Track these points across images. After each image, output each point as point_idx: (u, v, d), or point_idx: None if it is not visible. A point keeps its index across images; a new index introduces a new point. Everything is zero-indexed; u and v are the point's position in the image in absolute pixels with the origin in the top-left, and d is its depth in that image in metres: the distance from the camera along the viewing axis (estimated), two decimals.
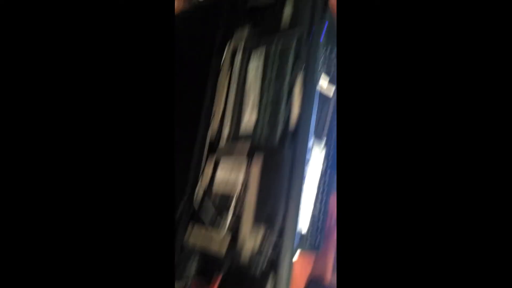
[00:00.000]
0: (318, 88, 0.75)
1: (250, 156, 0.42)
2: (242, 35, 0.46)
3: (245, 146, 0.43)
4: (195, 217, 0.48)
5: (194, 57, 0.60)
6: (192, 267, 0.49)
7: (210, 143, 0.48)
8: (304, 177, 0.38)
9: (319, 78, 0.71)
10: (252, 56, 0.45)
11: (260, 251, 0.39)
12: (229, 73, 0.47)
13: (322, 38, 0.40)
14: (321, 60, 0.73)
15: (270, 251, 0.39)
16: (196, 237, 0.46)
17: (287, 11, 0.43)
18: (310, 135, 0.39)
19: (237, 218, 0.42)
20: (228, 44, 0.48)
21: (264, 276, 0.39)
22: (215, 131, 0.48)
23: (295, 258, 0.77)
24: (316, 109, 0.76)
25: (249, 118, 0.44)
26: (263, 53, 0.44)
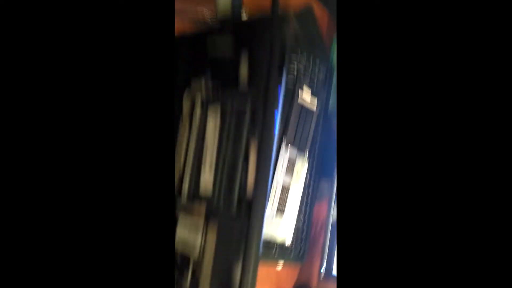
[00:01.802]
0: (300, 102, 0.73)
1: (207, 220, 0.42)
2: (200, 86, 0.44)
3: (202, 208, 0.43)
4: None
5: None
6: None
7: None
8: (261, 246, 0.38)
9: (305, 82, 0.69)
10: (209, 112, 0.44)
11: None
12: (188, 123, 0.46)
13: (280, 103, 0.38)
14: (303, 71, 0.71)
15: None
16: None
17: (243, 69, 0.41)
18: (266, 203, 0.39)
19: (195, 282, 0.43)
20: (186, 92, 0.47)
21: None
22: (177, 185, 0.47)
23: (279, 268, 0.79)
24: (297, 122, 0.75)
25: (207, 178, 0.43)
26: (219, 111, 0.42)
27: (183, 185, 0.45)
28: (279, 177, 0.71)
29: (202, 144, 0.44)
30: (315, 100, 0.73)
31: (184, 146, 0.45)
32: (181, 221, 0.45)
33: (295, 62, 0.69)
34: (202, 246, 0.41)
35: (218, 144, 0.42)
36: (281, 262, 0.75)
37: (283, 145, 0.71)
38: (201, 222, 0.43)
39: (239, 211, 0.39)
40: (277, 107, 0.37)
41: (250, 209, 0.39)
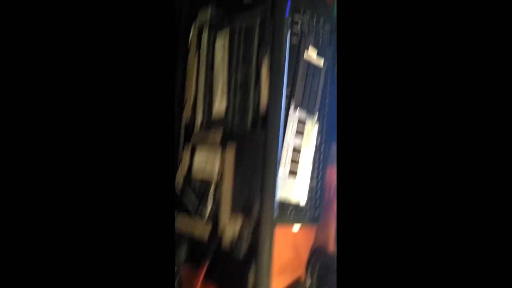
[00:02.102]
0: (307, 58, 0.73)
1: (223, 144, 0.42)
2: (206, 15, 0.45)
3: (218, 133, 0.43)
4: (178, 204, 0.49)
5: None
6: (182, 253, 0.51)
7: (185, 131, 0.48)
8: (279, 162, 0.38)
9: (310, 43, 0.69)
10: (217, 38, 0.44)
11: (240, 237, 0.40)
12: (197, 55, 0.47)
13: (287, 14, 0.39)
14: (307, 31, 0.72)
15: (249, 237, 0.40)
16: (182, 224, 0.47)
17: None
18: (281, 118, 0.39)
19: (217, 206, 0.43)
20: (194, 24, 0.47)
21: (247, 261, 0.40)
22: (188, 118, 0.48)
23: (296, 230, 0.78)
24: (305, 82, 0.75)
25: (219, 104, 0.43)
26: (228, 35, 0.43)
27: (196, 117, 0.46)
28: (289, 139, 0.71)
29: (212, 73, 0.44)
30: (322, 61, 0.73)
31: (194, 78, 0.46)
32: (198, 152, 0.46)
33: (299, 22, 0.70)
34: (220, 171, 0.42)
35: (228, 68, 0.42)
36: (297, 225, 0.75)
37: (292, 107, 0.71)
38: (218, 147, 0.43)
39: (254, 128, 0.40)
40: (285, 14, 0.37)
41: (266, 123, 0.39)
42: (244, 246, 0.40)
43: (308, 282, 0.80)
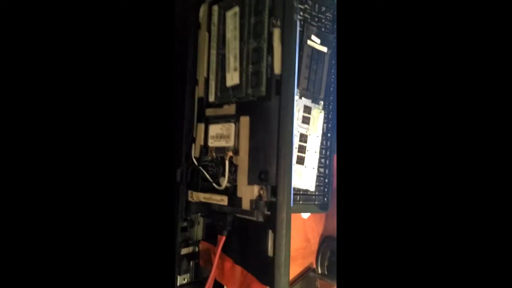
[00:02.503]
0: (310, 45, 0.74)
1: (238, 116, 0.43)
2: None
3: (232, 107, 0.44)
4: (194, 182, 0.50)
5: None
6: (200, 228, 0.51)
7: (199, 106, 0.49)
8: (293, 124, 0.39)
9: (313, 32, 0.70)
10: (228, 13, 0.45)
11: (257, 206, 0.40)
12: (208, 31, 0.47)
13: None
14: (309, 20, 0.73)
15: (268, 200, 0.40)
16: (199, 197, 0.47)
17: None
18: (294, 90, 0.40)
19: (234, 176, 0.43)
20: (203, 4, 0.48)
21: (265, 229, 0.40)
22: (201, 94, 0.48)
23: (305, 216, 0.78)
24: (309, 69, 0.76)
25: (232, 78, 0.44)
26: (238, 10, 0.44)
27: (209, 91, 0.46)
28: (296, 125, 0.72)
29: (223, 49, 0.45)
30: (325, 48, 0.74)
31: (205, 54, 0.47)
32: (212, 127, 0.46)
33: (301, 11, 0.71)
34: (236, 133, 0.42)
35: (239, 43, 0.43)
36: (306, 210, 0.75)
37: (296, 97, 0.72)
38: (232, 118, 0.43)
39: (269, 95, 0.40)
40: None
41: (280, 88, 0.40)
42: (262, 214, 0.40)
43: (319, 270, 0.80)
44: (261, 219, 0.40)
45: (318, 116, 0.75)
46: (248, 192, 0.41)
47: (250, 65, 0.42)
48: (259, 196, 0.40)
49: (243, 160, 0.41)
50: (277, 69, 0.40)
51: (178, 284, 0.48)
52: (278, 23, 0.40)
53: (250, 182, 0.40)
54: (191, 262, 0.49)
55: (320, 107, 0.75)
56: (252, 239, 0.43)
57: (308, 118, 0.74)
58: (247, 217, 0.42)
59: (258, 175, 0.40)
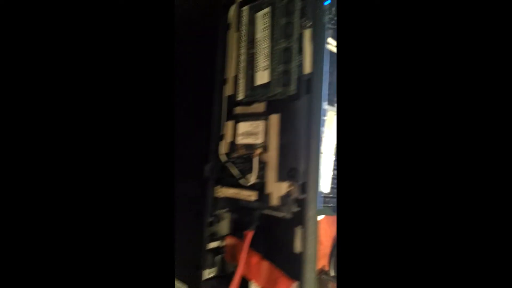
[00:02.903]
0: (328, 47, 0.75)
1: (267, 114, 0.44)
2: None
3: (261, 105, 0.45)
4: (222, 178, 0.51)
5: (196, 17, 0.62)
6: (226, 224, 0.52)
7: (228, 105, 0.50)
8: (322, 121, 0.40)
9: (329, 34, 0.71)
10: (258, 13, 0.46)
11: (285, 203, 0.41)
12: (237, 31, 0.48)
13: None
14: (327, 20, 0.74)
15: (297, 196, 0.41)
16: (226, 193, 0.48)
17: None
18: (323, 89, 0.41)
19: (263, 173, 0.44)
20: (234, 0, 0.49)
21: (293, 226, 0.41)
22: (230, 93, 0.49)
23: (319, 218, 0.78)
24: (328, 72, 0.77)
25: (261, 77, 0.45)
26: (269, 10, 0.45)
27: (237, 94, 0.47)
28: None
29: (253, 49, 0.46)
30: None
31: (235, 54, 0.48)
32: (241, 125, 0.47)
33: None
34: (266, 131, 0.43)
35: (270, 43, 0.44)
36: (320, 212, 0.75)
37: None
38: (261, 116, 0.44)
39: (298, 94, 0.41)
40: None
41: (310, 88, 0.41)
42: (290, 211, 0.41)
43: (332, 273, 0.80)
44: (289, 215, 0.41)
45: (333, 118, 0.76)
46: (277, 189, 0.41)
47: (280, 65, 0.43)
48: (288, 192, 0.41)
49: (272, 157, 0.42)
50: (307, 69, 0.41)
51: (204, 278, 0.48)
52: (310, 24, 0.41)
53: (280, 178, 0.41)
54: (218, 257, 0.50)
55: (335, 108, 0.75)
56: (279, 235, 0.43)
57: (324, 120, 0.74)
58: (275, 213, 0.43)
59: (287, 172, 0.41)
